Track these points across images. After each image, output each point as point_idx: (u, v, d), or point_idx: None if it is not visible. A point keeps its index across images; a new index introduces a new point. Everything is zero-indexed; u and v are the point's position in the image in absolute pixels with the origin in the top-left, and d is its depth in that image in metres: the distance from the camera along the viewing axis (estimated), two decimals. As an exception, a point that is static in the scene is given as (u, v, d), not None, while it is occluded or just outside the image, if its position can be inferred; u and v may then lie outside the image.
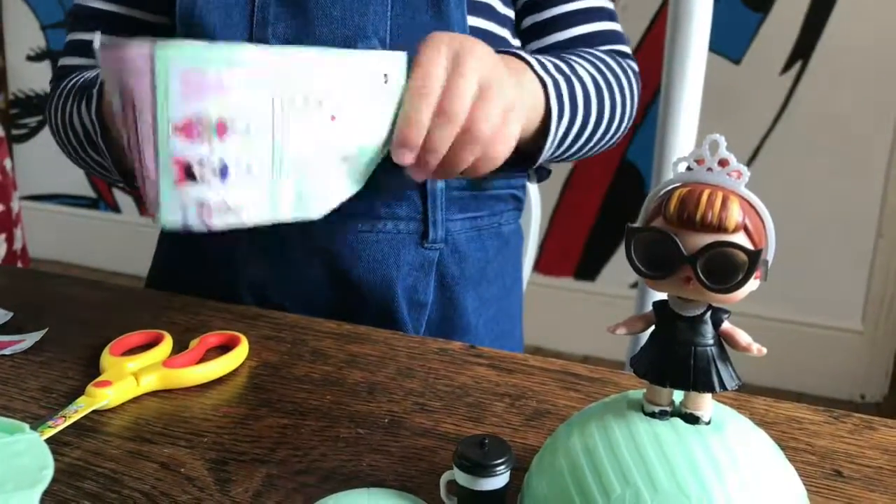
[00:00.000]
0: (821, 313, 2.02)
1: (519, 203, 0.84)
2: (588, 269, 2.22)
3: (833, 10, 1.86)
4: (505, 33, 0.81)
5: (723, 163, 0.37)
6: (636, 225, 0.39)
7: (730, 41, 1.93)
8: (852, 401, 2.04)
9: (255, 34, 0.72)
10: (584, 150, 0.76)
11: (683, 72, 1.26)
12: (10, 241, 2.44)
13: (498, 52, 0.61)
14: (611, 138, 0.78)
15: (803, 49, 1.90)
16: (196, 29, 0.73)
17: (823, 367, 2.03)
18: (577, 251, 2.22)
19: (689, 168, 0.38)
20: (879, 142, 1.89)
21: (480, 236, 0.79)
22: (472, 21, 0.75)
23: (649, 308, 0.40)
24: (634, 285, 2.15)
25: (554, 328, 2.16)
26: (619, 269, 2.18)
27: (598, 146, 0.77)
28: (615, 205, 2.15)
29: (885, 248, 1.94)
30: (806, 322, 2.03)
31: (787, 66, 1.92)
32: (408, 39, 0.72)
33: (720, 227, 0.36)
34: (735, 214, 0.36)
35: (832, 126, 1.91)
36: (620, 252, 2.17)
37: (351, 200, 0.73)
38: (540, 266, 2.22)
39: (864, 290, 1.99)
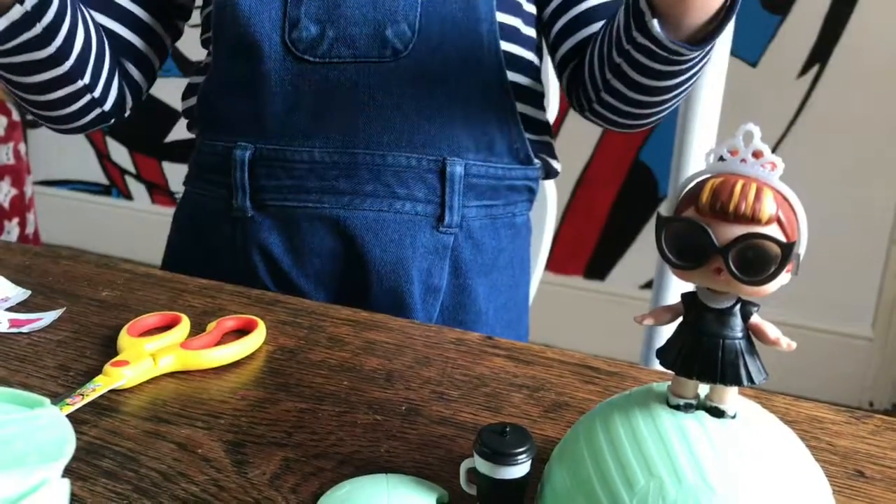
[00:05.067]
0: (831, 319, 2.01)
1: (532, 195, 0.85)
2: (598, 268, 2.21)
3: (852, 14, 1.84)
4: (531, 32, 0.81)
5: (757, 154, 0.37)
6: (667, 214, 0.38)
7: (747, 44, 1.92)
8: (860, 408, 2.03)
9: (289, 12, 0.73)
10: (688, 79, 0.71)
11: (703, 74, 1.25)
12: (22, 225, 2.45)
13: None
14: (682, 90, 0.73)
15: (821, 53, 1.89)
16: (230, 8, 0.74)
17: (832, 372, 2.02)
18: (587, 250, 2.21)
19: (721, 158, 0.38)
20: (895, 148, 1.88)
21: (494, 224, 0.80)
22: (501, 17, 0.76)
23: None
24: (644, 286, 2.15)
25: (563, 327, 2.15)
26: (629, 269, 2.17)
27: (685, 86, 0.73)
28: (627, 205, 2.14)
29: (899, 255, 1.93)
30: (816, 327, 2.02)
31: (805, 70, 1.91)
32: (436, 27, 0.73)
33: (753, 219, 0.35)
34: (769, 206, 0.35)
35: (847, 131, 1.90)
36: (631, 252, 2.16)
37: (370, 179, 0.74)
38: (550, 264, 2.22)
39: (876, 297, 1.98)
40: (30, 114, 0.78)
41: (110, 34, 0.79)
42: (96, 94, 0.76)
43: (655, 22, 0.62)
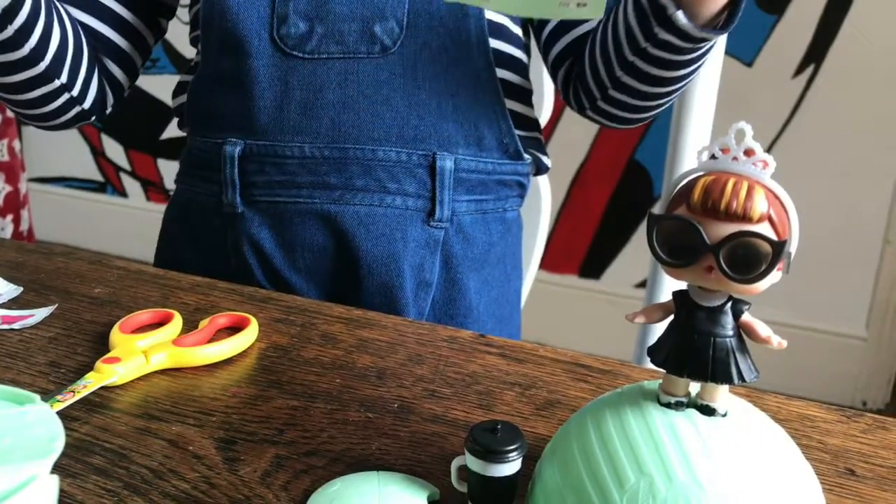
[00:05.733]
0: (825, 319, 2.02)
1: (523, 190, 0.85)
2: (593, 267, 2.21)
3: (848, 14, 1.85)
4: (517, 30, 0.82)
5: (748, 152, 0.37)
6: (659, 212, 0.38)
7: (742, 43, 1.92)
8: (853, 407, 2.03)
9: (277, 9, 0.73)
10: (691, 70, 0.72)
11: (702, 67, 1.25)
12: (16, 221, 2.45)
13: None
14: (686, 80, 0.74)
15: (816, 53, 1.89)
16: (219, 5, 0.74)
17: (826, 372, 2.03)
18: (582, 249, 2.21)
19: (713, 157, 0.38)
20: (889, 148, 1.88)
21: (485, 219, 0.80)
22: (489, 14, 0.76)
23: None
24: (639, 285, 2.15)
25: (557, 325, 2.15)
26: (624, 268, 2.17)
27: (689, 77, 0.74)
28: (622, 204, 2.14)
29: (892, 255, 1.93)
30: (810, 327, 2.02)
31: (800, 70, 1.91)
32: (424, 23, 0.73)
33: (744, 217, 0.35)
34: (760, 204, 0.35)
35: (842, 131, 1.90)
36: (626, 251, 2.17)
37: (361, 174, 0.74)
38: (545, 263, 2.22)
39: (870, 297, 1.98)
40: (10, 111, 0.78)
41: (91, 32, 0.79)
42: (74, 92, 0.77)
43: (680, 13, 0.62)
